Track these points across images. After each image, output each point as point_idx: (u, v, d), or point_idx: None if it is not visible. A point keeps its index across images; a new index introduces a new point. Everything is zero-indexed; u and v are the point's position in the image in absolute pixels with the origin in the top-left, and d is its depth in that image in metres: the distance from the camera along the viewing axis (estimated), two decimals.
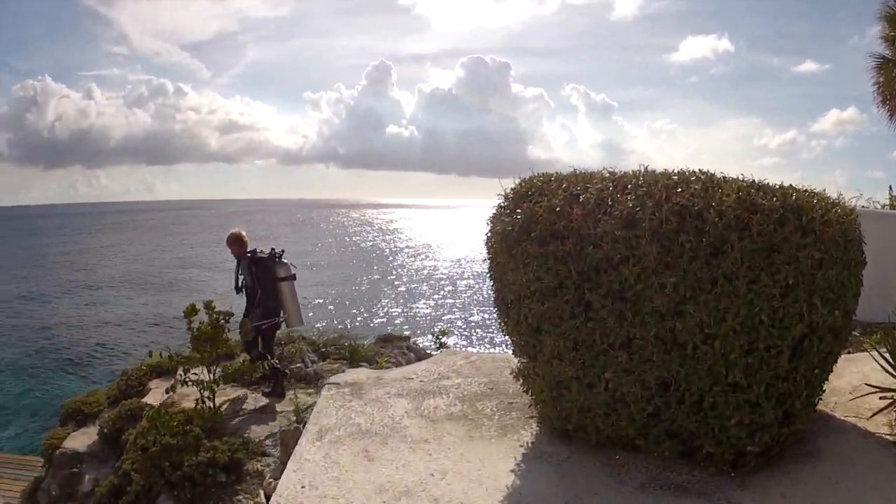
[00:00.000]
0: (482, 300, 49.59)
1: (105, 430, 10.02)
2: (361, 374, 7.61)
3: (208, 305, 8.81)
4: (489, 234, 5.36)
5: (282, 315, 9.86)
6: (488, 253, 5.43)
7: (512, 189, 5.25)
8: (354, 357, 12.94)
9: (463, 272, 72.89)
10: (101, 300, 54.66)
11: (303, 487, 4.73)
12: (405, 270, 76.91)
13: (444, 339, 16.08)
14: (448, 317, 48.36)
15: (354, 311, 49.38)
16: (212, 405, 8.67)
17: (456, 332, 40.78)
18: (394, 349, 14.65)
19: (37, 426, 13.65)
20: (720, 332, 4.28)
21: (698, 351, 4.35)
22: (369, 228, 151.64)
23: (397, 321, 45.87)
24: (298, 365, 11.90)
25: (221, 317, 8.77)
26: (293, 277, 9.91)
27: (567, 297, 4.57)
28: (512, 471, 4.78)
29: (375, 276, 69.86)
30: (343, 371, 9.18)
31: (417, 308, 52.58)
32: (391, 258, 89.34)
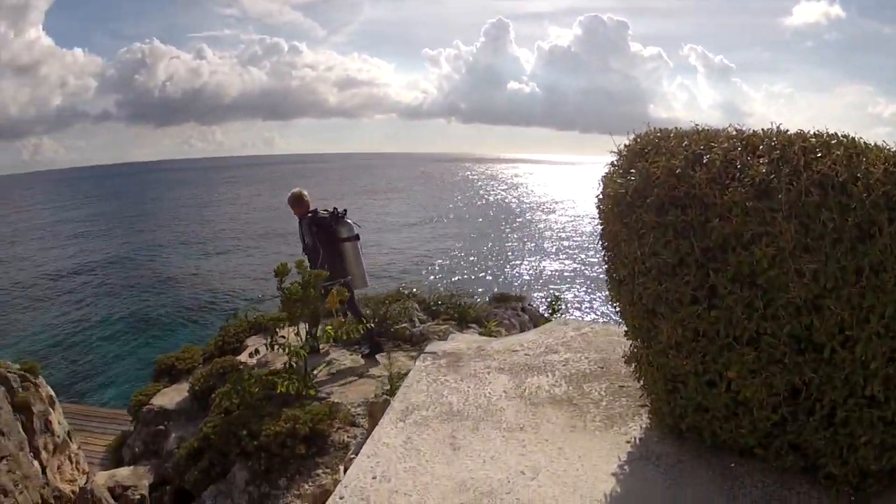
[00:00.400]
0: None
1: (196, 388, 10.02)
2: (462, 342, 7.02)
3: (300, 265, 8.52)
4: (600, 197, 4.58)
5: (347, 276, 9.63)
6: (600, 218, 4.67)
7: (626, 145, 4.46)
8: (465, 318, 12.49)
9: (588, 230, 70.02)
10: (221, 250, 56.07)
11: (374, 478, 4.22)
12: (532, 227, 76.06)
13: (558, 305, 15.39)
14: (568, 277, 47.53)
15: (477, 267, 49.32)
16: (301, 369, 8.46)
17: (573, 296, 40.14)
18: (507, 310, 14.13)
19: (144, 381, 13.69)
20: (862, 334, 3.43)
21: (836, 356, 3.53)
22: (494, 183, 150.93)
23: (517, 280, 45.45)
24: (404, 325, 11.53)
25: (314, 276, 8.42)
26: (356, 238, 9.87)
27: (688, 278, 3.82)
28: (613, 474, 4.12)
29: (501, 233, 69.42)
30: (450, 334, 8.72)
31: (539, 266, 51.85)
32: (518, 214, 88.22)
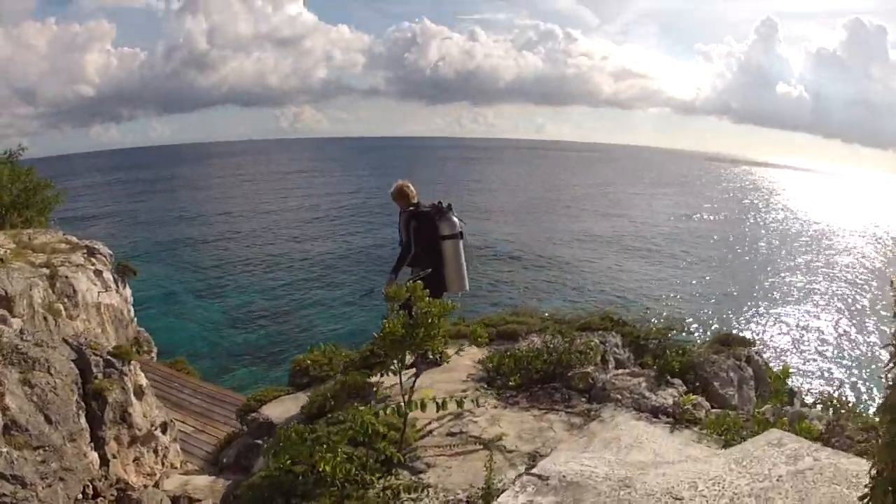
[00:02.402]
0: None
1: (310, 405, 8.38)
2: (610, 451, 4.44)
3: (415, 289, 6.25)
4: None
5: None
6: None
7: None
8: (667, 370, 9.68)
9: (874, 266, 58.44)
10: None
11: None
12: (791, 250, 64.45)
13: (785, 376, 11.14)
14: (821, 330, 36.96)
15: (707, 294, 42.17)
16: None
17: (820, 360, 31.61)
18: (728, 358, 10.97)
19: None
20: None
21: None
22: (766, 194, 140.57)
23: (746, 317, 37.61)
24: (590, 368, 8.96)
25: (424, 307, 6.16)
26: (460, 235, 8.94)
27: None
28: None
29: (762, 258, 59.71)
30: (615, 419, 6.15)
31: (784, 305, 41.81)
32: (779, 233, 78.25)
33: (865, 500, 2.44)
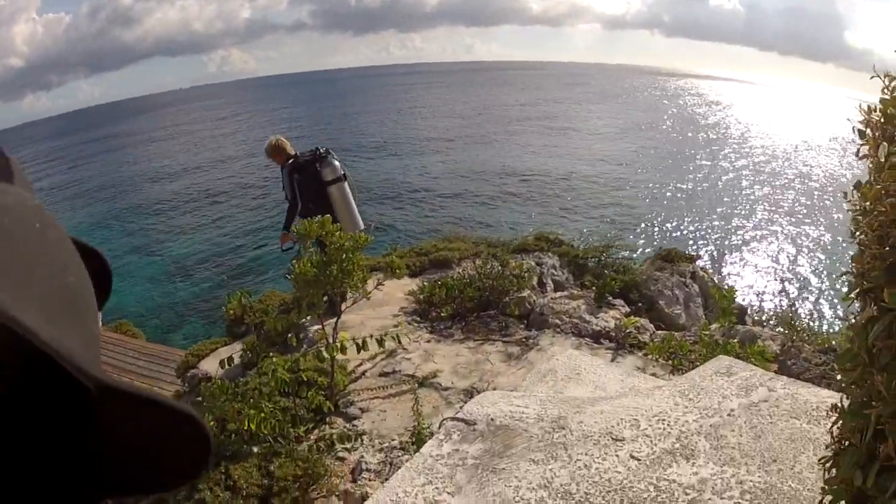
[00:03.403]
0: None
1: (244, 356, 7.72)
2: (544, 388, 4.23)
3: (325, 224, 5.88)
4: (872, 134, 1.96)
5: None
6: (876, 183, 1.91)
7: None
8: (606, 290, 9.44)
9: (812, 173, 57.17)
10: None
11: None
12: (730, 162, 61.52)
13: (730, 298, 10.28)
14: (761, 239, 36.17)
15: (652, 208, 40.49)
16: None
17: (763, 271, 30.60)
18: (672, 275, 10.80)
19: None
20: None
21: None
22: (701, 102, 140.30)
23: (691, 231, 36.50)
24: (526, 293, 8.80)
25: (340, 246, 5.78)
26: (343, 178, 8.67)
27: None
28: None
29: (708, 168, 58.97)
30: (551, 348, 5.87)
31: (728, 216, 40.46)
32: (728, 143, 77.19)
33: (827, 464, 2.09)
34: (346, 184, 8.68)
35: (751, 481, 3.05)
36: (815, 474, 2.89)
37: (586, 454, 3.32)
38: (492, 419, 3.67)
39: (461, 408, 4.82)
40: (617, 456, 3.31)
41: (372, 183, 42.36)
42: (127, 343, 13.44)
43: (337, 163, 8.67)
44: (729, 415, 3.60)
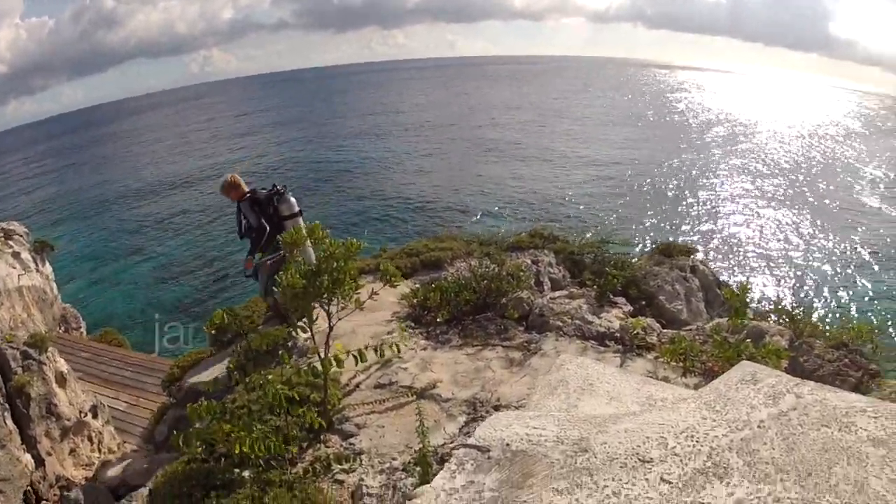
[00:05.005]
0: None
1: (231, 367, 7.67)
2: (557, 405, 4.10)
3: (314, 231, 5.78)
4: None
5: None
6: None
7: None
8: (608, 288, 9.17)
9: (803, 162, 58.08)
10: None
11: None
12: (725, 154, 62.13)
13: (743, 296, 9.69)
14: (772, 231, 35.71)
15: (647, 200, 40.76)
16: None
17: (774, 265, 30.01)
18: (672, 269, 10.56)
19: None
20: None
21: None
22: (683, 92, 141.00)
23: (689, 223, 36.19)
24: (523, 293, 8.49)
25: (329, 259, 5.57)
26: (299, 214, 9.14)
27: None
28: None
29: (697, 159, 57.83)
30: (561, 355, 5.51)
31: (726, 206, 40.55)
32: (716, 133, 77.36)
33: None
34: (300, 219, 9.03)
35: (788, 499, 2.77)
36: (851, 486, 2.74)
37: (613, 479, 3.01)
38: (507, 444, 3.35)
39: (461, 427, 4.50)
40: (646, 480, 3.00)
41: (358, 179, 42.38)
42: (112, 353, 13.25)
43: (293, 199, 9.13)
44: (759, 427, 3.30)
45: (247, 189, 9.17)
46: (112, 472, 8.12)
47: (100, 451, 8.83)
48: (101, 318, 21.75)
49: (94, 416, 8.98)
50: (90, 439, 8.72)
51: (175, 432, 5.37)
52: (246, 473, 5.04)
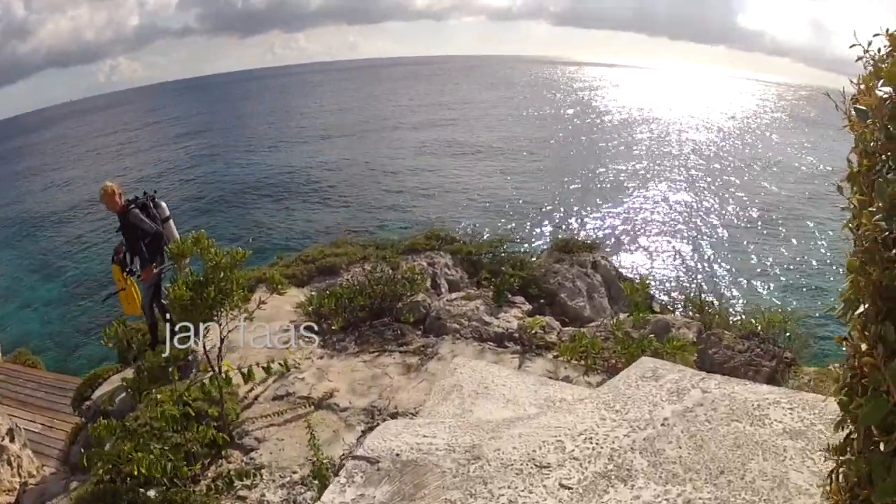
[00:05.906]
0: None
1: (125, 384, 7.85)
2: (451, 407, 4.14)
3: (200, 240, 5.71)
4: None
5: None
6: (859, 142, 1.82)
7: None
8: (505, 287, 9.21)
9: (705, 151, 58.60)
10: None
11: None
12: (620, 148, 61.05)
13: (643, 291, 10.13)
14: (668, 224, 35.55)
15: (544, 198, 39.44)
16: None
17: (669, 259, 29.86)
18: (573, 266, 10.63)
19: None
20: None
21: None
22: (581, 87, 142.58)
23: (590, 220, 35.44)
24: (419, 297, 8.72)
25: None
26: (169, 218, 9.23)
27: None
28: None
29: (596, 153, 56.96)
30: (455, 360, 5.54)
31: (625, 201, 39.88)
32: (605, 127, 77.70)
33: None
34: (171, 222, 9.20)
35: (700, 499, 2.83)
36: (769, 482, 2.80)
37: (509, 487, 3.03)
38: (397, 455, 3.33)
39: (359, 437, 4.44)
40: (544, 486, 3.03)
41: (262, 182, 41.91)
42: (25, 374, 12.85)
43: (164, 204, 9.18)
44: (663, 425, 3.36)
45: (121, 199, 8.94)
46: (31, 496, 7.98)
47: (20, 475, 8.59)
48: (17, 339, 21.01)
49: (12, 440, 8.74)
50: (9, 464, 8.49)
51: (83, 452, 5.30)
52: (151, 493, 5.02)
